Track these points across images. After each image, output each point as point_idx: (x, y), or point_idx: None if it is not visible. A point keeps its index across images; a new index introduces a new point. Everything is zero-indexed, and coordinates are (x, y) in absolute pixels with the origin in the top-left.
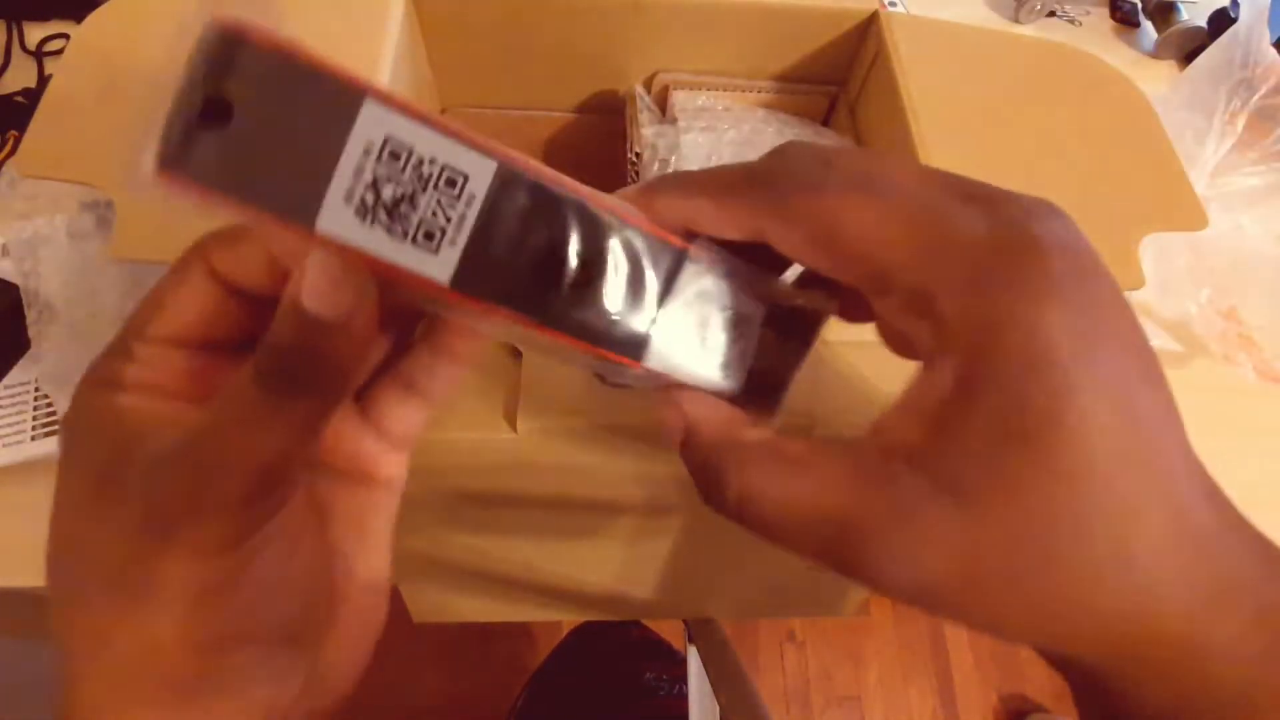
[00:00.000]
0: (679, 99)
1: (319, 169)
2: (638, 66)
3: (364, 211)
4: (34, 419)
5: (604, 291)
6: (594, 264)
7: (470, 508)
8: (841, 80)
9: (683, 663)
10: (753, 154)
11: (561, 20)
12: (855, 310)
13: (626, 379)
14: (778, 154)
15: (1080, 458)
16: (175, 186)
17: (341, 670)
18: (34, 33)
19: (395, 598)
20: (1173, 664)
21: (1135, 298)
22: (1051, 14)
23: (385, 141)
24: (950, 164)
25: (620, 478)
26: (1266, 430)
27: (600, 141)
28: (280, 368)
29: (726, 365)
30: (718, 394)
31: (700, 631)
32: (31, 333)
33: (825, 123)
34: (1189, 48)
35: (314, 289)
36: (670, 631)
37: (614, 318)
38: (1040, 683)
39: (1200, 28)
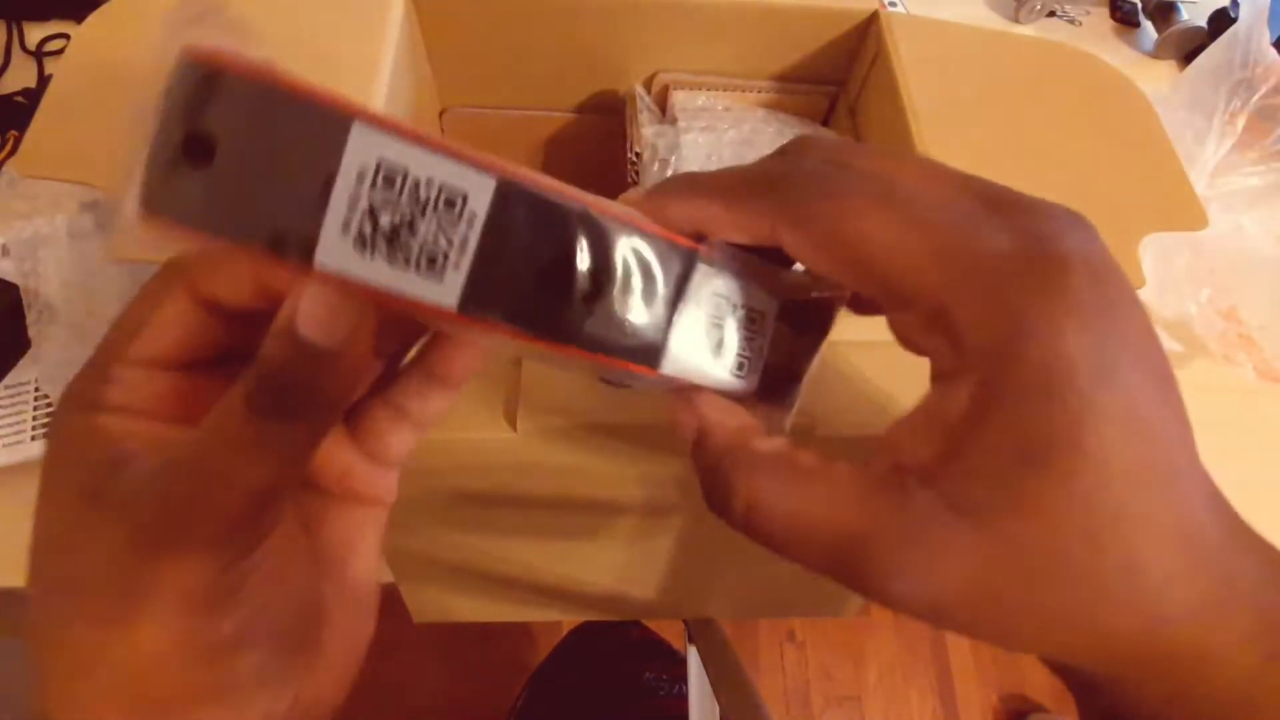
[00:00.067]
0: (679, 99)
1: (312, 201)
2: (638, 66)
3: (363, 242)
4: (34, 419)
5: (615, 302)
6: (603, 274)
7: (470, 508)
8: (841, 80)
9: (683, 663)
10: (753, 154)
11: (561, 20)
12: (867, 304)
13: (639, 384)
14: (793, 153)
15: (1097, 480)
16: (161, 230)
17: (330, 684)
18: (34, 33)
19: (395, 598)
20: (1175, 668)
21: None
22: (1051, 14)
23: (379, 166)
24: (950, 164)
25: (620, 478)
26: (1266, 430)
27: (600, 141)
28: (272, 393)
29: (742, 364)
30: (734, 392)
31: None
32: (31, 333)
33: (825, 123)
34: (1189, 48)
35: (310, 317)
36: (670, 631)
37: (627, 328)
38: (1040, 683)
39: (1200, 28)
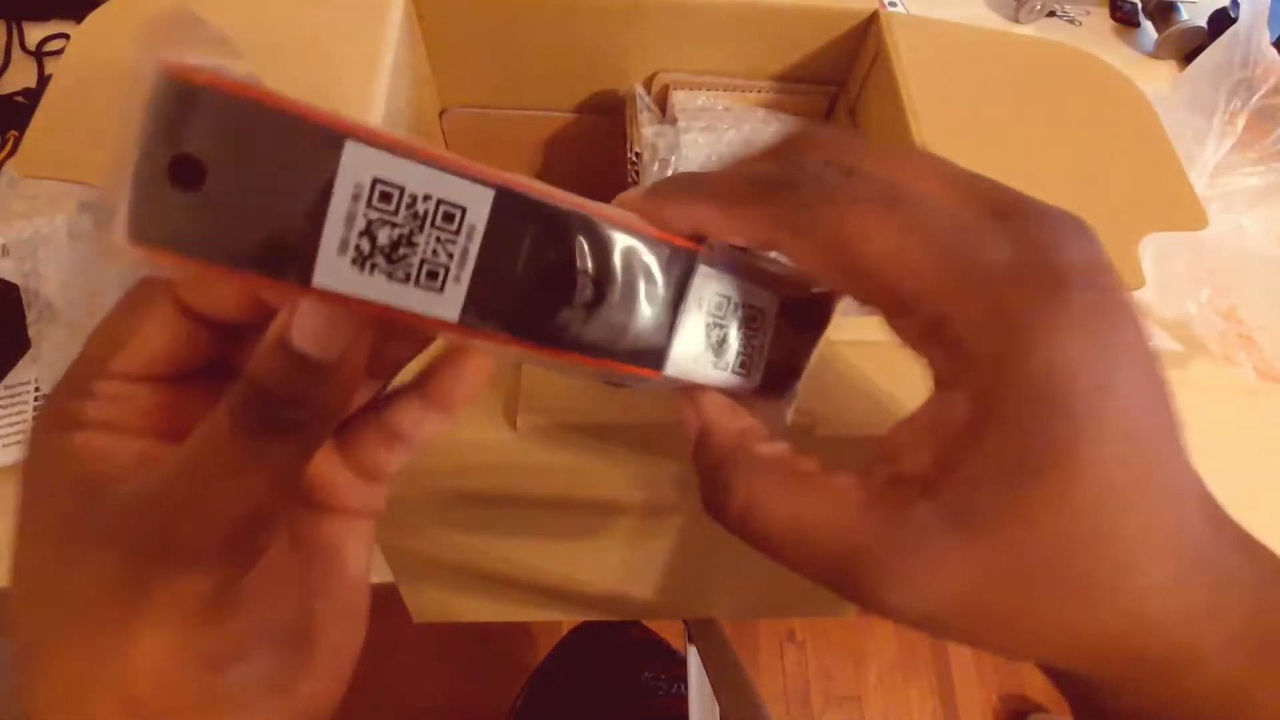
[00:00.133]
0: (679, 99)
1: (307, 221)
2: (638, 66)
3: (361, 260)
4: (34, 419)
5: (617, 307)
6: (605, 280)
7: (470, 508)
8: (841, 80)
9: (683, 663)
10: None
11: (561, 20)
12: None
13: (642, 386)
14: (794, 154)
15: (1094, 491)
16: (150, 257)
17: (325, 691)
18: (34, 33)
19: (395, 597)
20: (1169, 670)
21: (1135, 298)
22: (1051, 14)
23: (374, 183)
24: None
25: (620, 478)
26: (1266, 430)
27: (600, 141)
28: (262, 408)
29: (744, 362)
30: (736, 390)
31: (700, 631)
32: (31, 333)
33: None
34: (1189, 48)
35: (306, 330)
36: (670, 631)
37: (630, 332)
38: (1040, 683)
39: (1200, 28)
